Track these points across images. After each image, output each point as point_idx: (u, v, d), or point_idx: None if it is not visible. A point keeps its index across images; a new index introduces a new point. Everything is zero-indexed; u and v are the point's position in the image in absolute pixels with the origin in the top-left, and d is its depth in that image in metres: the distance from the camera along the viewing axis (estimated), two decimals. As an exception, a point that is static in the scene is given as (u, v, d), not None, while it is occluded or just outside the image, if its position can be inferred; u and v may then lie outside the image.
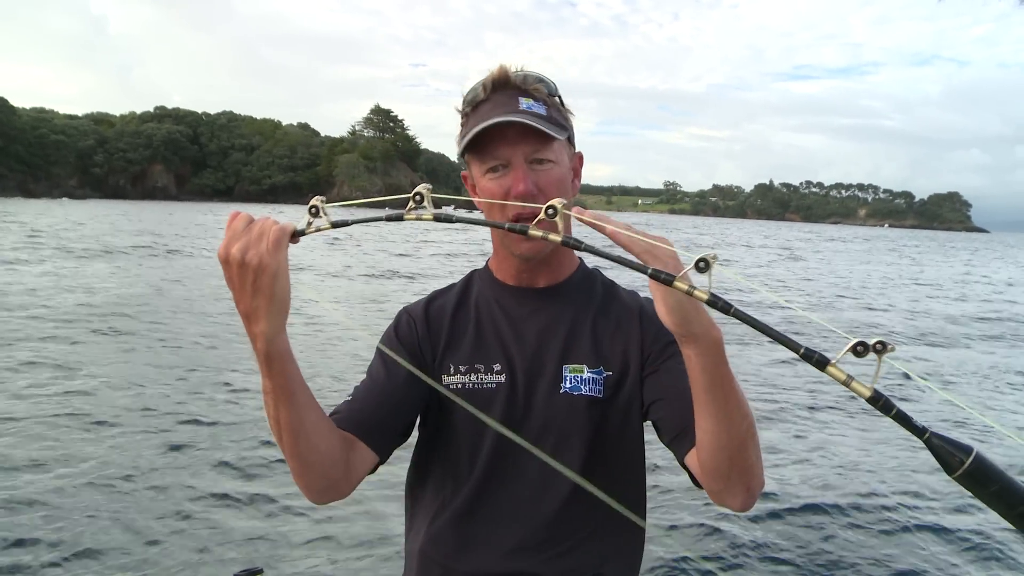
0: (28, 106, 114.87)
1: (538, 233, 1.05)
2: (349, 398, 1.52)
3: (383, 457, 1.50)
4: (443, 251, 31.19)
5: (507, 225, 1.15)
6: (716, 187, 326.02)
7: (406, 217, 1.11)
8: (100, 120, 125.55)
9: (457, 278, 1.72)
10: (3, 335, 10.63)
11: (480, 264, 1.71)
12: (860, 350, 0.82)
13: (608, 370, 1.52)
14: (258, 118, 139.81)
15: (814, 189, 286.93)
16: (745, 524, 5.37)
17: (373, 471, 1.50)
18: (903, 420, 0.86)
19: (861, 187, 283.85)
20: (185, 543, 4.75)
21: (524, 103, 1.44)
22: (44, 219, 43.00)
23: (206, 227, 42.71)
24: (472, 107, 1.48)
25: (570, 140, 1.52)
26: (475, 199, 1.53)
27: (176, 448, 6.44)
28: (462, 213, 1.20)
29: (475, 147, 1.45)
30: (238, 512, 5.19)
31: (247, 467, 5.87)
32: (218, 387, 8.45)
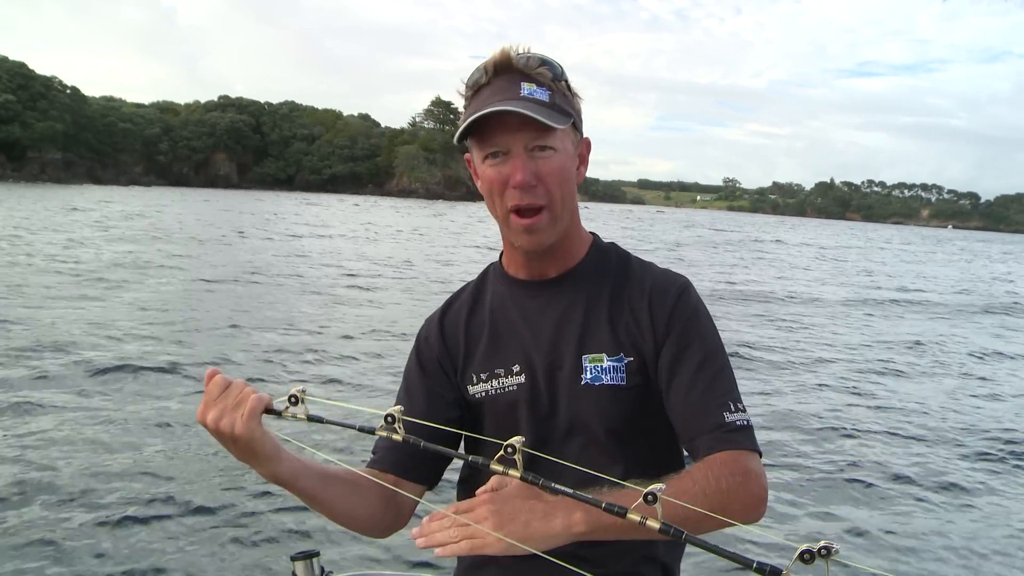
0: (98, 95, 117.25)
1: (499, 468, 1.08)
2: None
3: (431, 484, 1.56)
4: (487, 243, 31.00)
5: (470, 459, 1.18)
6: (776, 184, 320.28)
7: (377, 432, 1.15)
8: (166, 109, 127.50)
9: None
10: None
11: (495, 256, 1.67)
12: (807, 558, 0.84)
13: (628, 355, 1.46)
14: (319, 108, 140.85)
15: (876, 188, 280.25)
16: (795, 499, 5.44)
17: (431, 487, 1.57)
18: None
19: (924, 187, 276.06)
20: (243, 523, 4.85)
21: (526, 89, 1.39)
22: (163, 207, 44.09)
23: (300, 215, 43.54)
24: (474, 91, 1.44)
25: (575, 126, 1.46)
26: (478, 183, 1.49)
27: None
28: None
29: (475, 133, 1.42)
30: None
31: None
32: (295, 371, 8.66)
